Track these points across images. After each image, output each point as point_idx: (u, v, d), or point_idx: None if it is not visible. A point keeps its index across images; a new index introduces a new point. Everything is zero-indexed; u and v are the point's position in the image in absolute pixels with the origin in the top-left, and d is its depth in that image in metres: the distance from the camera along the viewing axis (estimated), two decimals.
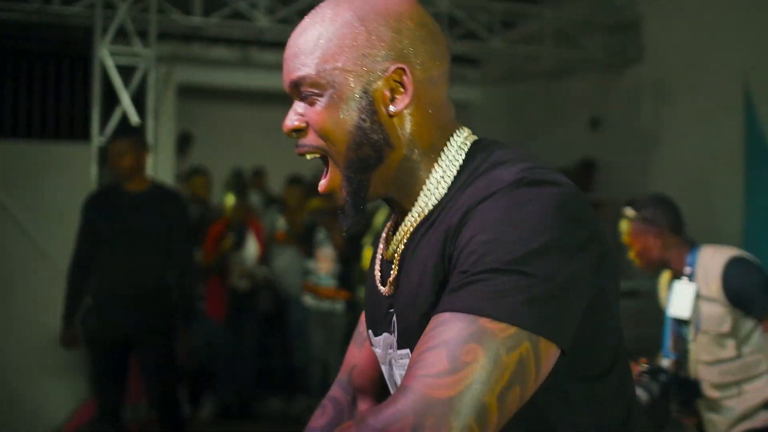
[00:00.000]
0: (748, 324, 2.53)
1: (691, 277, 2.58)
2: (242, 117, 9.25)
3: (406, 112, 1.00)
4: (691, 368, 2.58)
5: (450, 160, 1.02)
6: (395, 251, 1.06)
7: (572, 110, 8.31)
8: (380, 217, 4.07)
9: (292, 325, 5.59)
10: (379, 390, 1.25)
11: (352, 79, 0.98)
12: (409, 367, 0.83)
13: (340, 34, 0.98)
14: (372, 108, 0.99)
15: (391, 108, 0.99)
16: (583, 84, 8.09)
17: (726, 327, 2.53)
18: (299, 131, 1.02)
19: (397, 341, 1.04)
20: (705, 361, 2.58)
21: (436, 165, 1.02)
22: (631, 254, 2.69)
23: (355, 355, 1.29)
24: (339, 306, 5.31)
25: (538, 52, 7.43)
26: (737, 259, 2.56)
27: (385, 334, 1.09)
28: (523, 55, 7.45)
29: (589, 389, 0.97)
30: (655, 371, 2.47)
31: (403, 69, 0.99)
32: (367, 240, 4.17)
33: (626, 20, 7.22)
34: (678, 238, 2.66)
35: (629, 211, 2.71)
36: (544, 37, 7.32)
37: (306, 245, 5.38)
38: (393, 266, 1.06)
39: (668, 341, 2.71)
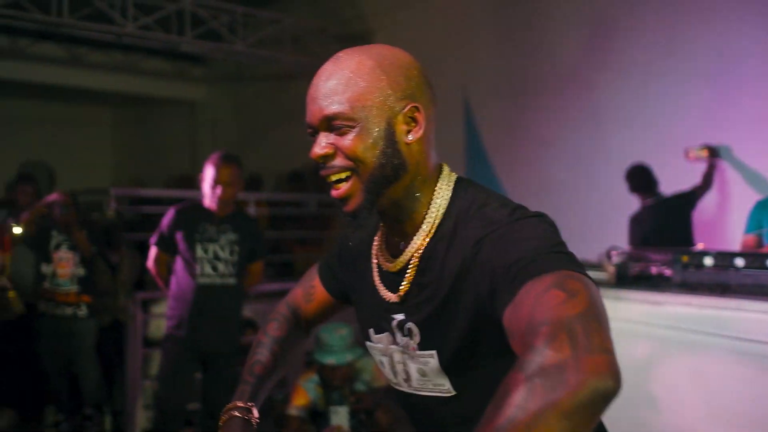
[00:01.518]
0: None
1: None
2: None
3: (415, 142, 1.23)
4: None
5: (443, 193, 1.27)
6: (406, 265, 1.27)
7: (305, 113, 8.63)
8: (166, 219, 3.97)
9: (34, 334, 5.14)
10: (313, 327, 1.63)
11: (378, 114, 1.20)
12: (533, 312, 0.96)
13: (368, 78, 1.20)
14: (393, 138, 1.21)
15: (409, 137, 1.23)
16: None
17: None
18: (327, 156, 1.22)
19: (420, 344, 1.24)
20: None
21: (434, 195, 1.26)
22: None
23: (299, 303, 1.60)
24: (82, 312, 4.99)
25: (275, 56, 7.66)
26: None
27: (387, 334, 1.31)
28: (263, 57, 7.61)
29: None
30: None
31: (417, 107, 1.23)
32: (153, 240, 4.03)
33: (357, 32, 7.75)
34: None
35: None
36: (282, 42, 7.58)
37: (40, 248, 4.96)
38: (406, 278, 1.27)
39: None
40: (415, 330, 1.25)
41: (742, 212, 4.01)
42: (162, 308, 4.77)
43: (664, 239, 4.26)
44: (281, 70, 8.63)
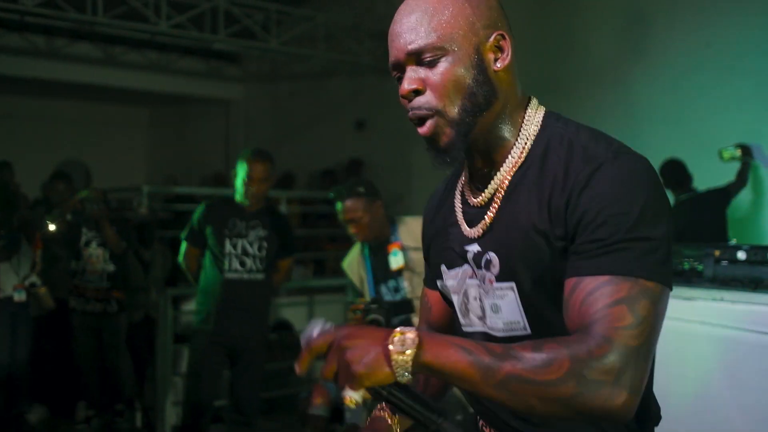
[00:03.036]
0: None
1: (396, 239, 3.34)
2: None
3: (503, 70, 1.21)
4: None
5: (533, 119, 1.24)
6: (492, 196, 1.24)
7: (338, 111, 8.67)
8: (196, 214, 4.00)
9: (66, 330, 5.21)
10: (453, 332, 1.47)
11: (466, 42, 1.18)
12: (599, 318, 1.04)
13: (452, 8, 1.18)
14: (482, 66, 1.19)
15: (497, 65, 1.21)
16: (348, 86, 8.49)
17: None
18: (418, 92, 1.19)
19: (498, 275, 1.22)
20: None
21: (524, 122, 1.24)
22: (356, 228, 3.27)
23: (427, 318, 1.53)
24: (112, 307, 5.04)
25: (309, 53, 7.69)
26: None
27: (465, 267, 1.29)
28: (297, 55, 7.65)
29: None
30: (375, 302, 3.01)
31: (503, 35, 1.21)
32: (183, 234, 4.06)
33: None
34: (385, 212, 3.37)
35: (360, 189, 3.28)
36: (315, 39, 7.60)
37: (70, 245, 5.01)
38: (492, 207, 1.24)
39: (371, 288, 3.39)
40: (495, 261, 1.22)
41: None
42: (193, 305, 4.81)
43: (698, 235, 4.16)
44: (316, 68, 8.66)
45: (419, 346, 1.01)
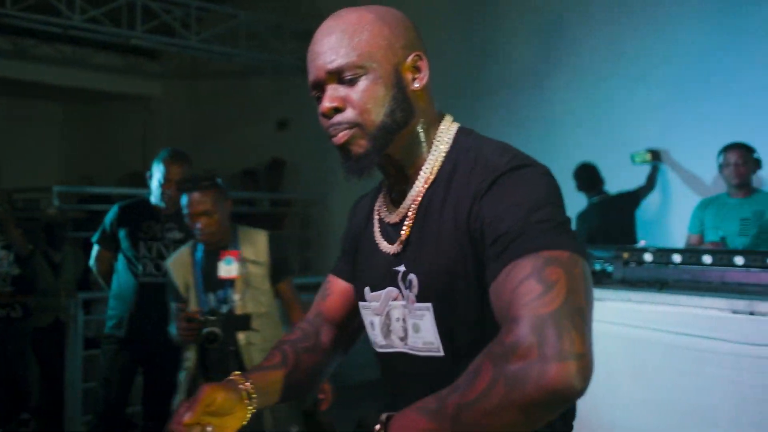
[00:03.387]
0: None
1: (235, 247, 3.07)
2: None
3: (421, 90, 1.25)
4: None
5: (445, 137, 1.28)
6: (405, 214, 1.27)
7: (260, 110, 8.57)
8: (109, 216, 3.87)
9: None
10: (342, 328, 1.50)
11: (386, 61, 1.21)
12: (510, 303, 1.00)
13: (371, 28, 1.21)
14: (402, 84, 1.22)
15: (415, 84, 1.24)
16: (271, 85, 8.40)
17: (267, 284, 3.16)
18: (338, 110, 1.21)
19: (417, 296, 1.22)
20: (253, 312, 3.09)
21: (436, 139, 1.27)
22: (206, 222, 2.98)
23: (318, 304, 1.53)
24: (16, 313, 4.82)
25: (231, 51, 7.57)
26: (273, 235, 3.25)
27: (388, 288, 1.29)
28: (218, 53, 7.51)
29: None
30: (213, 314, 2.89)
31: (419, 56, 1.25)
32: (95, 237, 3.92)
33: (313, 29, 7.65)
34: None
35: (214, 180, 3.07)
36: (237, 37, 7.48)
37: None
38: (406, 224, 1.26)
39: (203, 296, 3.11)
40: (415, 281, 1.23)
41: (683, 211, 4.08)
42: (105, 309, 4.66)
43: (609, 237, 4.30)
44: (237, 66, 8.54)
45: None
